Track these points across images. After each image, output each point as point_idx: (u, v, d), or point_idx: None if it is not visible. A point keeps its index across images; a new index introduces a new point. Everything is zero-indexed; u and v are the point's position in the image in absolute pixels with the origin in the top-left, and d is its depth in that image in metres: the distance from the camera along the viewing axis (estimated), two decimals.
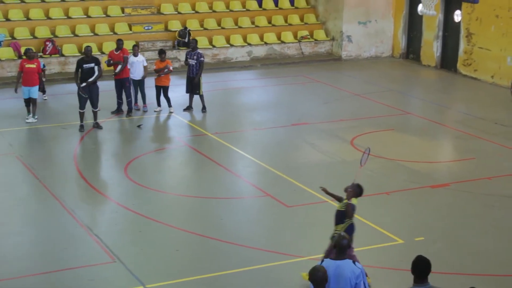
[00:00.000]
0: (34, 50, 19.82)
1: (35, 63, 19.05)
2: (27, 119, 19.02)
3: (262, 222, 13.62)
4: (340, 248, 8.53)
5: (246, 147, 17.49)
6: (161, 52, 20.16)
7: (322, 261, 8.92)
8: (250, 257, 12.00)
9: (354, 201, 10.56)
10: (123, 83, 19.62)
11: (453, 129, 19.30)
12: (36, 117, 19.07)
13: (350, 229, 10.51)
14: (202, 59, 20.01)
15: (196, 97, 20.25)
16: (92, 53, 18.85)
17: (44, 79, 20.87)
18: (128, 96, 19.72)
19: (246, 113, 20.57)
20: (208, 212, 13.95)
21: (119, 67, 19.45)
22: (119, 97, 19.86)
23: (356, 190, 10.61)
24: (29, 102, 19.03)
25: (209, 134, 18.38)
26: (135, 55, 19.95)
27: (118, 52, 19.66)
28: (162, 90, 20.00)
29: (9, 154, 16.85)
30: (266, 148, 17.69)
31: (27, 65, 18.92)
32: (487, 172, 16.00)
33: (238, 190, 15.22)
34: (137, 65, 19.86)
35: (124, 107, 19.88)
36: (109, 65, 19.75)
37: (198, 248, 12.43)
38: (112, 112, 19.79)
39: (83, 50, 18.67)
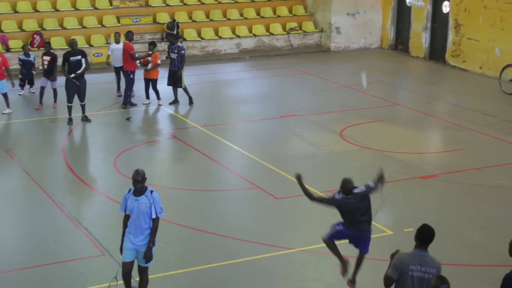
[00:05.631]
0: None
1: (0, 57, 19.08)
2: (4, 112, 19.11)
3: (251, 214, 13.61)
4: None
5: (235, 139, 17.47)
6: (150, 44, 20.12)
7: None
8: (240, 250, 12.00)
9: None
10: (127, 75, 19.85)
11: (442, 120, 19.34)
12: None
13: None
14: (182, 52, 20.02)
15: (181, 91, 20.22)
16: (78, 46, 18.80)
17: (34, 72, 20.89)
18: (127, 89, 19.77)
19: (235, 105, 20.55)
20: (197, 204, 13.94)
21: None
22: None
23: None
24: None
25: (198, 127, 18.35)
26: (117, 42, 20.22)
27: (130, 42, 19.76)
28: (150, 83, 19.98)
29: None
30: (255, 140, 17.68)
31: None
32: (476, 163, 16.05)
33: (227, 183, 15.20)
34: (117, 52, 19.97)
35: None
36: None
37: (188, 240, 12.42)
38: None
39: (68, 43, 18.61)
